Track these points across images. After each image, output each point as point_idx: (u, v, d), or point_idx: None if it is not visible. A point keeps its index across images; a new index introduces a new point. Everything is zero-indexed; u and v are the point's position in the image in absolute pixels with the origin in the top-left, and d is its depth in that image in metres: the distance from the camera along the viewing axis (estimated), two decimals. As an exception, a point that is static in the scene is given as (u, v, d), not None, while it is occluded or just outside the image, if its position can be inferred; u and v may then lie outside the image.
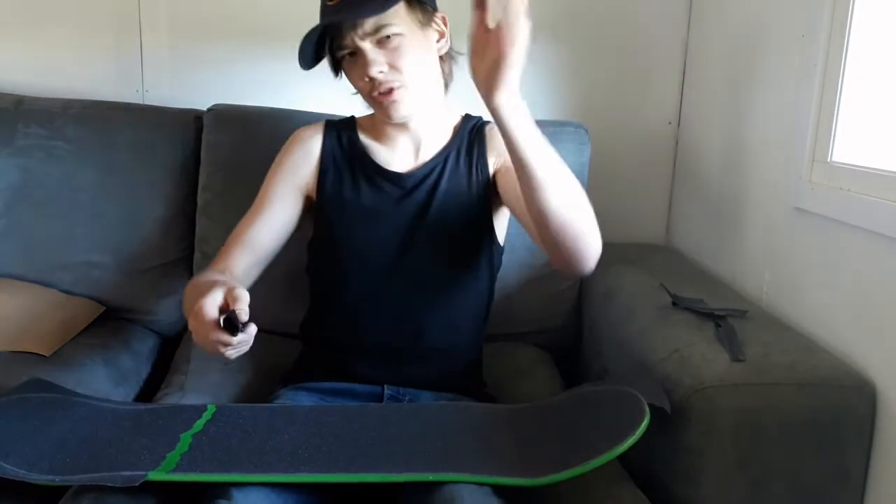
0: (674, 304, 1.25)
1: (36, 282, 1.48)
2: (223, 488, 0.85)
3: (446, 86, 1.18)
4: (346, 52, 1.09)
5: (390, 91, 1.08)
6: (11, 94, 1.57)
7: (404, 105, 1.10)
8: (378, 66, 1.06)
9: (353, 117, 1.26)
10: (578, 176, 1.50)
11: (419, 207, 1.16)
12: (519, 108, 0.87)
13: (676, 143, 1.77)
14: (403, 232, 1.15)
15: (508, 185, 1.13)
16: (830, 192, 1.15)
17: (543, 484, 0.85)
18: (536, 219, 0.96)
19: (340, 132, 1.22)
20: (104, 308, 1.48)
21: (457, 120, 1.23)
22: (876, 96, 1.13)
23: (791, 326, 1.21)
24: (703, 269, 1.55)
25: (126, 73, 1.70)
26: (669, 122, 1.76)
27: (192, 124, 1.54)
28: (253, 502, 0.85)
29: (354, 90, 1.16)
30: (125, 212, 1.51)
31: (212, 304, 0.89)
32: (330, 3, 1.06)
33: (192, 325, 0.91)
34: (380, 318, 1.16)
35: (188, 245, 1.54)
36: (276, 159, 1.22)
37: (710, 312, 1.19)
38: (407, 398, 1.14)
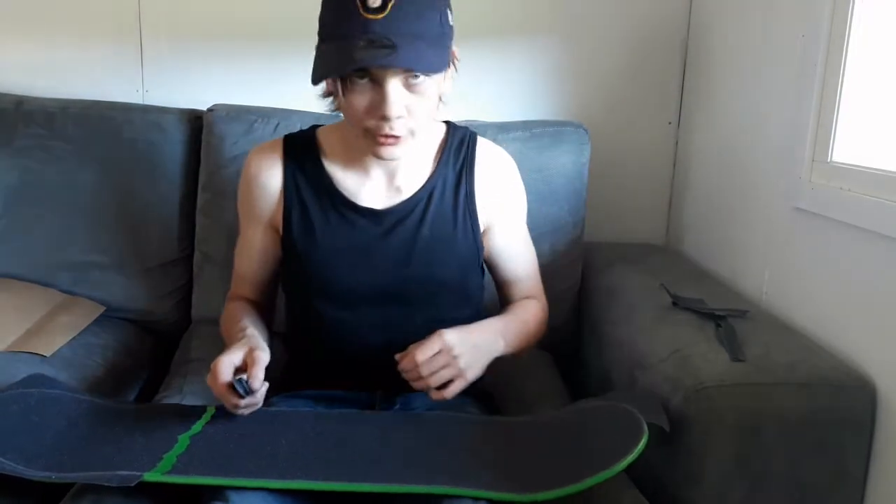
0: (674, 304, 1.25)
1: (36, 282, 1.48)
2: (220, 491, 0.85)
3: None
4: (360, 73, 0.95)
5: (396, 137, 0.98)
6: (11, 95, 1.57)
7: (400, 150, 1.00)
8: (399, 110, 0.95)
9: (313, 130, 1.15)
10: (579, 176, 1.54)
11: (400, 251, 1.08)
12: (486, 358, 1.07)
13: (676, 143, 1.77)
14: (383, 274, 1.08)
15: (491, 251, 1.17)
16: (830, 192, 1.15)
17: (539, 500, 0.85)
18: None
19: (303, 157, 1.11)
20: (104, 308, 1.48)
21: (441, 134, 1.14)
22: (876, 96, 1.13)
23: (791, 326, 1.21)
24: (704, 269, 1.55)
25: (126, 73, 1.70)
26: (669, 122, 1.76)
27: (192, 124, 1.54)
28: None
29: (327, 99, 1.07)
30: (125, 212, 1.51)
31: (228, 364, 0.95)
32: (370, 17, 0.91)
33: (208, 381, 0.97)
34: (362, 348, 1.11)
35: (188, 245, 1.54)
36: (239, 189, 1.16)
37: (711, 312, 1.19)
38: (399, 401, 1.12)
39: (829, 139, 1.16)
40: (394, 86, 0.95)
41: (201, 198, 1.52)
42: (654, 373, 1.10)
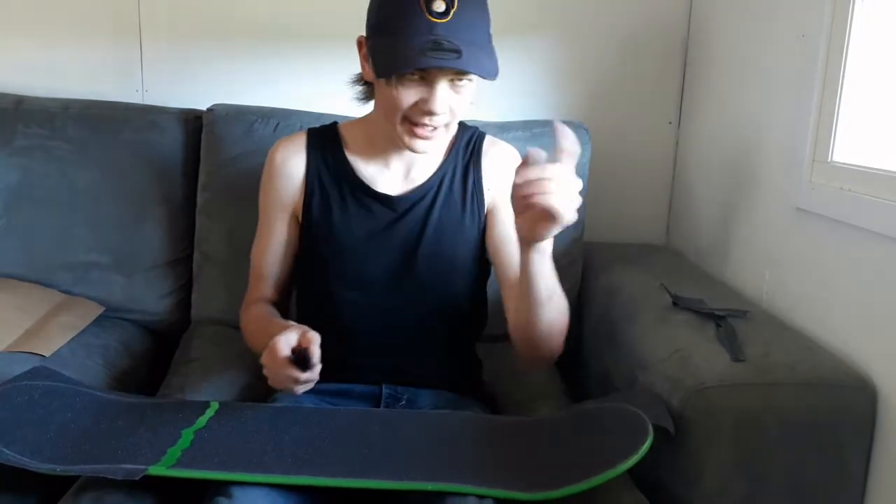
0: (674, 304, 1.25)
1: (36, 282, 1.48)
2: (224, 486, 0.86)
3: None
4: (410, 71, 1.00)
5: (433, 129, 1.05)
6: (11, 94, 1.57)
7: (433, 144, 1.07)
8: (443, 107, 1.02)
9: (335, 125, 1.20)
10: (579, 175, 1.53)
11: (412, 233, 1.13)
12: (548, 250, 1.00)
13: (676, 143, 1.77)
14: (396, 256, 1.13)
15: (494, 238, 1.16)
16: (831, 192, 1.14)
17: (543, 499, 0.85)
18: (524, 325, 1.05)
19: (325, 148, 1.17)
20: (104, 308, 1.48)
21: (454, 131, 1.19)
22: (876, 96, 1.13)
23: (791, 326, 1.20)
24: (704, 269, 1.55)
25: (126, 73, 1.70)
26: (669, 122, 1.76)
27: (192, 124, 1.54)
28: (253, 501, 0.85)
29: (360, 93, 1.15)
30: (125, 212, 1.51)
31: (285, 343, 0.97)
32: (434, 20, 0.97)
33: (265, 360, 0.99)
34: (373, 332, 1.14)
35: (188, 245, 1.54)
36: (262, 180, 1.19)
37: (711, 312, 1.19)
38: (405, 397, 1.13)
39: (830, 139, 1.16)
40: (442, 85, 1.01)
41: (201, 198, 1.52)
42: (655, 373, 1.10)
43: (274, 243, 1.19)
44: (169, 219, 1.52)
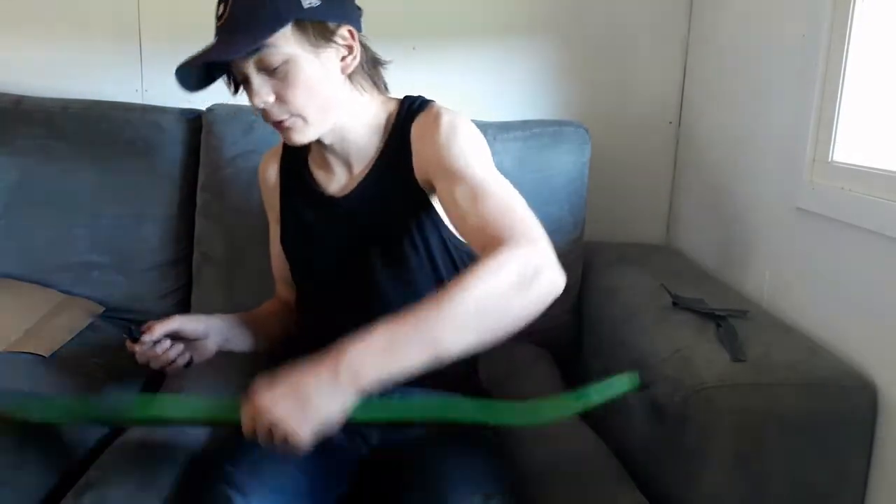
0: (674, 304, 1.25)
1: (36, 282, 1.48)
2: (230, 475, 0.89)
3: (379, 86, 1.09)
4: (239, 75, 1.01)
5: (280, 122, 1.02)
6: (11, 94, 1.57)
7: (299, 134, 1.03)
8: (262, 97, 0.99)
9: None
10: (579, 176, 1.54)
11: (360, 227, 1.11)
12: (364, 378, 0.87)
13: (677, 143, 1.77)
14: (350, 252, 1.12)
15: (443, 204, 1.03)
16: (831, 192, 1.14)
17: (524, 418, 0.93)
18: None
19: (294, 158, 1.19)
20: (104, 308, 1.48)
21: (391, 110, 1.11)
22: (877, 96, 1.13)
23: (792, 327, 1.20)
24: (704, 269, 1.55)
25: (126, 73, 1.70)
26: (670, 122, 1.76)
27: (192, 124, 1.54)
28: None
29: None
30: (125, 212, 1.51)
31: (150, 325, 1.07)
32: (218, 25, 1.00)
33: None
34: (354, 330, 1.07)
35: (188, 245, 1.54)
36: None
37: (711, 312, 1.19)
38: (397, 395, 1.13)
39: (830, 139, 1.16)
40: (252, 75, 0.98)
41: (200, 198, 1.52)
42: (655, 373, 1.10)
43: (275, 246, 1.25)
44: (168, 219, 1.53)
